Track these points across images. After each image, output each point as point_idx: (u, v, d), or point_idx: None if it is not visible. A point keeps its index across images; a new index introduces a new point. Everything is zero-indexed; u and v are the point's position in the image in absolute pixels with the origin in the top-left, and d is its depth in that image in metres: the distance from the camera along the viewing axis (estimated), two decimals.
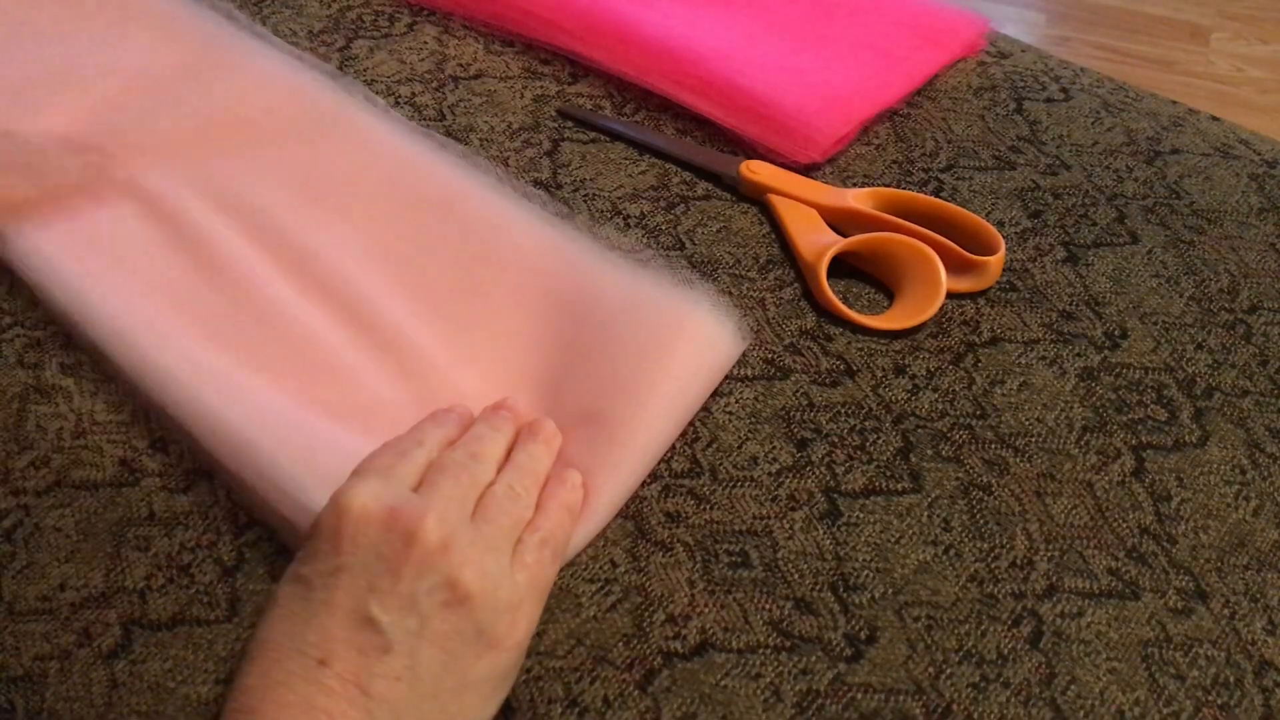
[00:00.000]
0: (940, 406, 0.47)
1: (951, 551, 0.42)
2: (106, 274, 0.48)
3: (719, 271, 0.53)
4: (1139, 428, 0.47)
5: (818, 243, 0.52)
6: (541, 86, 0.63)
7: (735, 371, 0.48)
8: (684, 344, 0.44)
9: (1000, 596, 0.41)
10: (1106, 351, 0.50)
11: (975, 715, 0.38)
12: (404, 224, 0.51)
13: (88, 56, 0.59)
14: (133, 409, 0.45)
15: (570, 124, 0.61)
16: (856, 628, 0.40)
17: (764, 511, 0.43)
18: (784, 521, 0.43)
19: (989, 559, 0.42)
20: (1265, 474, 0.46)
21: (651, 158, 0.59)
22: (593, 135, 0.60)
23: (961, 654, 0.39)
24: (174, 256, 0.49)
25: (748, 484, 0.44)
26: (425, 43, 0.65)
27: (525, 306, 0.47)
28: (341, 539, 0.35)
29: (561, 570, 0.41)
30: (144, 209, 0.51)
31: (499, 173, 0.53)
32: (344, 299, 0.48)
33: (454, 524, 0.35)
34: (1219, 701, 0.39)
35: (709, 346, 0.45)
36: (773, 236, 0.55)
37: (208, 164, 0.54)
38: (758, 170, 0.56)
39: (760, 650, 0.39)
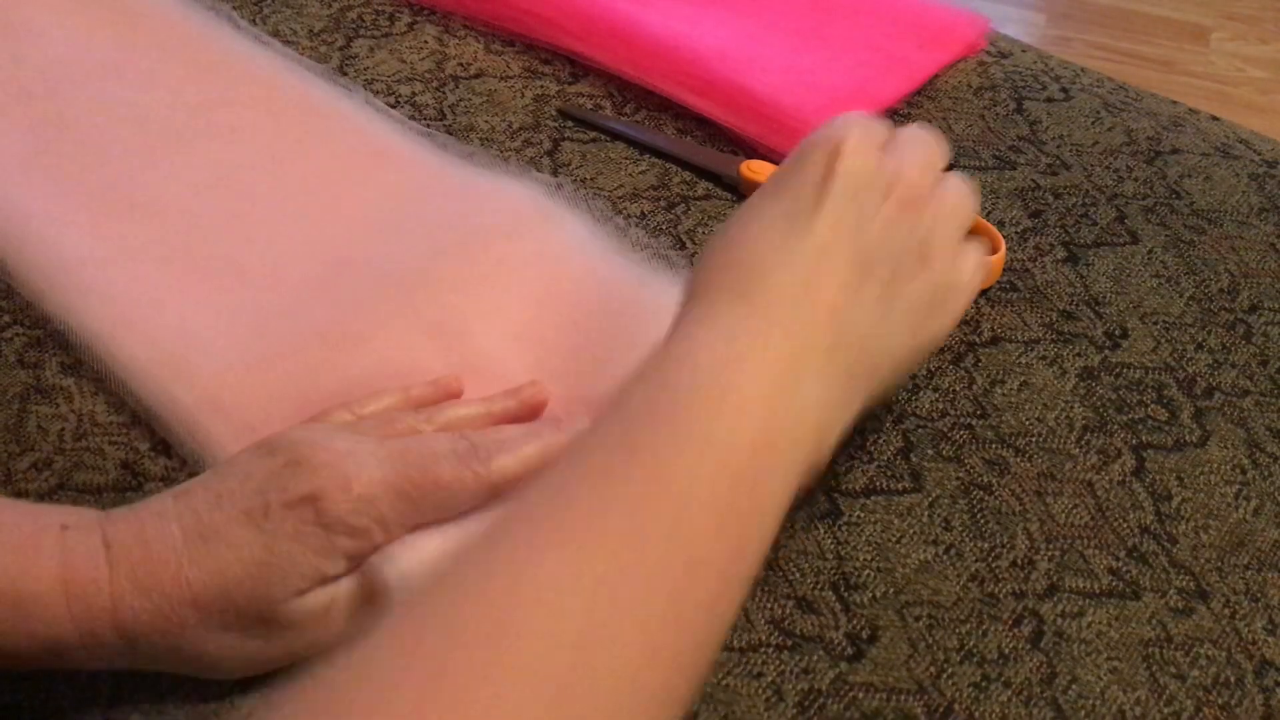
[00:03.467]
0: (940, 406, 0.47)
1: (952, 551, 0.42)
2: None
3: None
4: (1139, 427, 0.47)
5: None
6: (542, 86, 0.63)
7: None
8: None
9: (1001, 596, 0.41)
10: (1107, 351, 0.50)
11: (977, 715, 0.38)
12: (412, 222, 0.51)
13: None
14: (132, 410, 0.45)
15: (570, 124, 0.61)
16: (858, 627, 0.40)
17: None
18: (785, 520, 0.43)
19: (990, 558, 0.42)
20: (1265, 474, 0.46)
21: (652, 157, 0.59)
22: (593, 135, 0.60)
23: (963, 653, 0.39)
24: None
25: None
26: (425, 42, 0.65)
27: (540, 300, 0.47)
28: (833, 179, 0.36)
29: None
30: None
31: (511, 168, 0.53)
32: (360, 289, 0.48)
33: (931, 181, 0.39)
34: (1220, 701, 0.39)
35: None
36: None
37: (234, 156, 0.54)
38: (758, 170, 0.56)
39: (762, 649, 0.39)
